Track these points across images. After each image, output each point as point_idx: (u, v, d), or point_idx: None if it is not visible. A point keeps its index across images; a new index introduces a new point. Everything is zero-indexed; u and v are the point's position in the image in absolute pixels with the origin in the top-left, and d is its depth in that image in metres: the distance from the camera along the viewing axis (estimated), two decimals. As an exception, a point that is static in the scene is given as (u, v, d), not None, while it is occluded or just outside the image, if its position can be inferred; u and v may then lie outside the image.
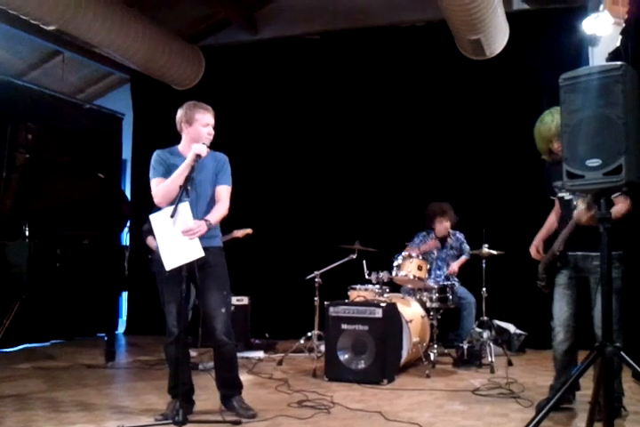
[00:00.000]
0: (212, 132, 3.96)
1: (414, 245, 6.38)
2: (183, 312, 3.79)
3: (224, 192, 3.96)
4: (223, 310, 3.85)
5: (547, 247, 4.07)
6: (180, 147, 4.02)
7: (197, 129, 3.92)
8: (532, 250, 4.13)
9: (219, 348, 3.91)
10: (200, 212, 3.83)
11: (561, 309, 3.91)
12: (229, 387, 4.00)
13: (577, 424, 3.64)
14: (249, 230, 6.22)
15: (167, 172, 3.87)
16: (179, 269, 3.61)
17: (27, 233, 5.46)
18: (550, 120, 3.87)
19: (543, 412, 2.65)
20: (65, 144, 7.43)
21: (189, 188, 3.62)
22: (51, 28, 6.20)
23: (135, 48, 6.94)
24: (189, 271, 3.62)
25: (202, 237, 3.71)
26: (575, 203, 3.68)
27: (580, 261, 3.84)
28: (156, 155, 4.00)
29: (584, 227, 3.61)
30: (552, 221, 4.21)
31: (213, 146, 3.97)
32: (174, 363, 3.85)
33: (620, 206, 3.65)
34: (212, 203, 3.93)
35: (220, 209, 3.89)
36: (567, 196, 3.92)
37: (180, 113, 3.97)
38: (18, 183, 5.40)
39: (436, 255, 6.45)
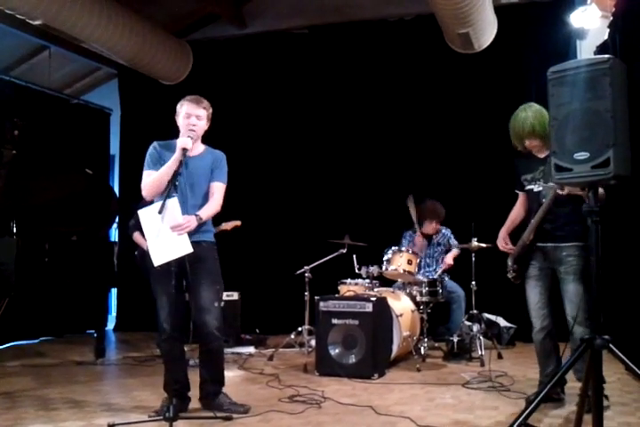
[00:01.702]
0: (196, 122, 3.86)
1: (403, 247, 6.35)
2: (177, 308, 3.77)
3: (218, 189, 3.92)
4: (216, 305, 3.84)
5: (513, 240, 4.12)
6: (177, 141, 3.93)
7: (181, 121, 3.91)
8: (500, 243, 4.17)
9: (208, 343, 3.88)
10: (194, 207, 3.80)
11: (534, 300, 3.99)
12: (216, 383, 3.97)
13: (567, 416, 3.65)
14: (237, 222, 6.14)
15: (160, 166, 3.81)
16: (168, 265, 3.57)
17: (14, 230, 5.42)
18: (524, 117, 3.94)
19: (533, 405, 2.67)
20: (52, 140, 7.39)
21: (177, 183, 3.59)
22: (37, 22, 6.15)
23: (122, 43, 6.89)
24: (179, 267, 3.59)
25: (193, 232, 3.70)
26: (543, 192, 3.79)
27: (550, 253, 3.92)
28: (152, 147, 3.94)
29: (552, 219, 3.78)
30: (516, 214, 4.26)
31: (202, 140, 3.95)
32: (167, 359, 3.83)
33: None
34: (206, 199, 3.90)
35: (212, 205, 3.87)
36: (536, 188, 3.99)
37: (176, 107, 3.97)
38: (5, 180, 5.35)
39: (424, 253, 6.43)
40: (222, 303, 3.97)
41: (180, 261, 3.59)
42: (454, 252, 6.42)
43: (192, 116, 3.87)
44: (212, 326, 3.82)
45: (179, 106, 3.94)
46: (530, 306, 4.01)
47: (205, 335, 3.85)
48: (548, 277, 3.97)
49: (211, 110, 3.96)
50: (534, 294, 3.98)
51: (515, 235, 4.14)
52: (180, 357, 3.90)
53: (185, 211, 3.70)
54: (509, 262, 4.10)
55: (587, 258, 3.81)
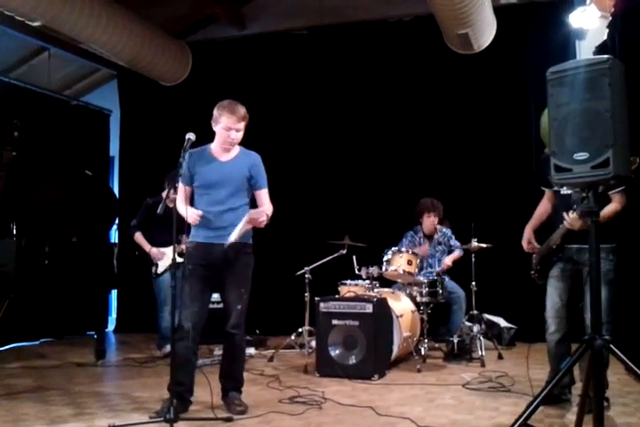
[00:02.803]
0: (235, 136, 3.94)
1: (403, 246, 6.35)
2: (200, 307, 3.90)
3: (265, 196, 4.10)
4: (239, 307, 3.95)
5: (538, 237, 4.10)
6: (212, 146, 4.04)
7: (219, 131, 3.95)
8: (525, 243, 4.14)
9: (226, 339, 4.01)
10: (232, 210, 3.90)
11: (553, 300, 3.94)
12: (228, 380, 4.04)
13: (568, 417, 3.65)
14: None
15: (191, 176, 3.96)
16: (199, 264, 3.83)
17: (14, 231, 5.41)
18: None
19: (533, 405, 2.67)
20: (52, 141, 7.39)
21: (176, 184, 3.63)
22: (36, 24, 6.16)
23: (122, 44, 6.90)
24: (212, 267, 3.86)
25: (227, 234, 3.83)
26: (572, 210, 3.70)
27: (576, 254, 3.87)
28: (186, 158, 3.90)
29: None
30: (541, 211, 4.22)
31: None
32: (178, 359, 3.79)
33: (613, 206, 3.70)
34: (244, 200, 4.02)
35: (268, 210, 4.01)
36: (564, 190, 3.91)
37: (214, 109, 3.98)
38: (4, 181, 5.35)
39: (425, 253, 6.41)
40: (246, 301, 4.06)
41: (215, 261, 3.84)
42: (456, 254, 6.37)
43: (232, 130, 3.92)
44: (229, 325, 3.94)
45: (217, 113, 3.94)
46: (548, 306, 3.96)
47: (224, 332, 3.97)
48: (571, 279, 3.91)
49: (248, 116, 3.99)
50: (554, 295, 3.93)
51: (541, 232, 4.11)
52: (189, 360, 3.89)
53: (223, 214, 3.88)
54: (534, 262, 4.07)
55: (614, 261, 3.79)
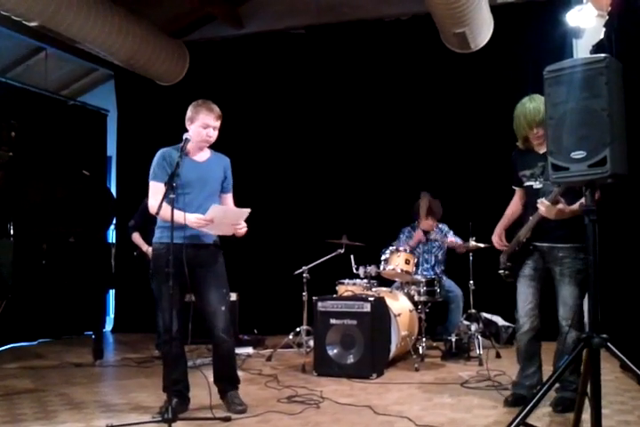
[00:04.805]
0: (212, 134, 3.91)
1: (401, 242, 6.36)
2: (179, 309, 3.82)
3: (231, 200, 4.17)
4: (223, 309, 3.90)
5: (508, 237, 4.12)
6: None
7: (196, 129, 3.90)
8: (495, 239, 4.16)
9: (218, 345, 3.95)
10: (206, 205, 3.83)
11: (526, 299, 3.93)
12: (225, 382, 4.03)
13: (565, 415, 3.65)
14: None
15: (167, 176, 3.81)
16: (170, 266, 3.58)
17: (11, 231, 5.41)
18: (535, 106, 3.81)
19: (531, 404, 2.67)
20: (49, 141, 7.38)
21: (174, 184, 3.60)
22: (33, 24, 6.14)
23: (119, 44, 6.89)
24: (181, 268, 3.64)
25: (201, 235, 3.84)
26: (542, 198, 3.67)
27: (547, 253, 3.87)
28: (159, 156, 3.91)
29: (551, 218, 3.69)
30: (512, 210, 4.25)
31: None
32: (168, 361, 3.81)
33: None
34: (217, 199, 4.03)
35: None
36: (536, 184, 3.95)
37: (188, 110, 3.95)
38: (2, 181, 5.35)
39: (422, 249, 6.43)
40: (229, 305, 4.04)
41: (187, 262, 3.68)
42: (458, 241, 6.25)
43: (209, 128, 3.89)
44: (219, 330, 3.89)
45: (192, 112, 3.91)
46: (520, 305, 3.95)
47: (214, 338, 3.92)
48: (542, 279, 3.92)
49: (222, 116, 4.00)
50: (526, 294, 3.93)
51: (511, 231, 4.14)
52: (180, 357, 3.91)
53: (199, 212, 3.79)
54: (502, 259, 4.08)
55: (584, 260, 3.79)
